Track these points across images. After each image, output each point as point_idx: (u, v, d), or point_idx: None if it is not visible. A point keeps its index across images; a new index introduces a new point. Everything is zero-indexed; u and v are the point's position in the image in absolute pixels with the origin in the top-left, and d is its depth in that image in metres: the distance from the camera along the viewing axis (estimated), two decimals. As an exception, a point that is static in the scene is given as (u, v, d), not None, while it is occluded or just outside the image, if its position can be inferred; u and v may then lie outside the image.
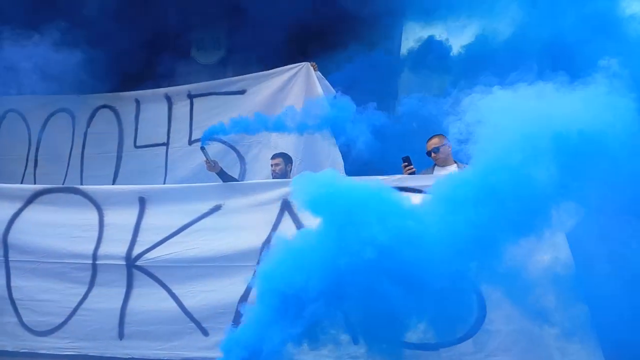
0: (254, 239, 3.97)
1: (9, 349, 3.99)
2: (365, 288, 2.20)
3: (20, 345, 4.03)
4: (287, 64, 4.95)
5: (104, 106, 5.74)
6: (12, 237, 4.22)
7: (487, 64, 4.90)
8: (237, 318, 3.83)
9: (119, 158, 5.58)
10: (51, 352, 3.97)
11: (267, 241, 3.95)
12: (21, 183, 5.53)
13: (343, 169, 4.49)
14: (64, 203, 4.31)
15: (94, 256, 4.12)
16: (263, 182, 4.35)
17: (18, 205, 4.31)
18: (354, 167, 4.52)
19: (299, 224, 3.94)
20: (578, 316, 3.19)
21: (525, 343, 3.39)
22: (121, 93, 5.67)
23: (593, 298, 3.14)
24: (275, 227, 3.99)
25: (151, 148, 5.45)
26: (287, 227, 3.95)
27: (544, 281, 2.86)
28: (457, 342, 3.44)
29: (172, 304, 3.96)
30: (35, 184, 5.46)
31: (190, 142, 5.26)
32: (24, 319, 4.06)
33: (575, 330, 3.19)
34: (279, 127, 4.20)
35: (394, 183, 3.81)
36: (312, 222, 3.88)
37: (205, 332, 3.89)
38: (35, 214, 4.28)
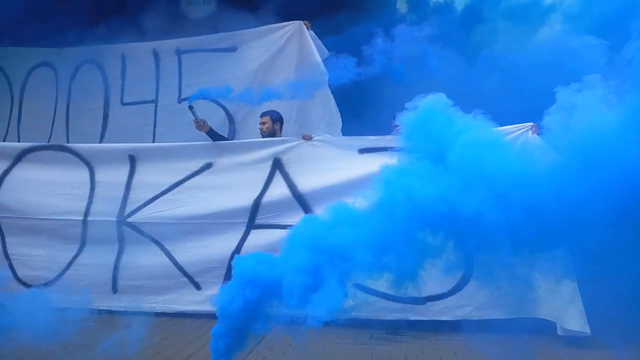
0: (246, 197, 4.04)
1: (4, 301, 4.04)
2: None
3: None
4: (280, 21, 4.84)
5: (88, 60, 5.57)
6: (3, 195, 4.23)
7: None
8: (229, 273, 3.96)
9: (105, 115, 5.48)
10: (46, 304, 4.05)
11: (259, 199, 4.03)
12: (5, 140, 5.44)
13: (340, 129, 4.51)
14: (52, 161, 4.30)
15: (86, 213, 4.15)
16: (254, 141, 4.35)
17: (6, 163, 4.28)
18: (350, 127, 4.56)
19: (290, 183, 4.01)
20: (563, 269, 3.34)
21: (513, 298, 3.56)
22: (105, 46, 5.49)
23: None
24: (266, 185, 4.04)
25: (139, 105, 5.36)
26: (279, 185, 4.01)
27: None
28: (444, 296, 3.62)
29: (165, 259, 4.05)
30: (19, 140, 5.41)
31: (180, 100, 5.18)
32: (19, 274, 4.12)
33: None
34: (275, 96, 4.21)
35: (386, 143, 3.87)
36: (303, 180, 3.99)
37: (197, 287, 4.01)
38: (24, 172, 4.26)
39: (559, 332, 3.42)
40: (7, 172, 4.26)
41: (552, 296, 3.44)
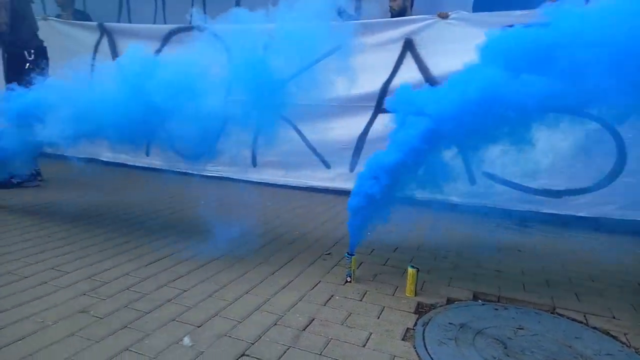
0: (375, 81, 3.99)
1: (165, 167, 4.73)
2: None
3: (174, 165, 4.77)
4: None
5: None
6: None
7: None
8: (357, 154, 4.12)
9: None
10: (201, 173, 4.68)
11: (387, 83, 3.95)
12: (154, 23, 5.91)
13: (472, 4, 4.08)
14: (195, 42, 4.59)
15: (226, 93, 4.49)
16: (384, 20, 4.13)
17: (157, 44, 4.70)
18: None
19: (421, 65, 3.83)
20: None
21: None
22: None
23: None
24: (396, 68, 3.93)
25: None
26: (410, 68, 3.87)
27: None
28: (586, 191, 3.36)
29: (297, 138, 4.31)
30: (165, 23, 5.85)
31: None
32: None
33: None
34: None
35: (535, 19, 3.40)
36: (436, 63, 3.78)
37: (327, 165, 4.27)
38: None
39: None
40: (158, 52, 4.71)
41: None
